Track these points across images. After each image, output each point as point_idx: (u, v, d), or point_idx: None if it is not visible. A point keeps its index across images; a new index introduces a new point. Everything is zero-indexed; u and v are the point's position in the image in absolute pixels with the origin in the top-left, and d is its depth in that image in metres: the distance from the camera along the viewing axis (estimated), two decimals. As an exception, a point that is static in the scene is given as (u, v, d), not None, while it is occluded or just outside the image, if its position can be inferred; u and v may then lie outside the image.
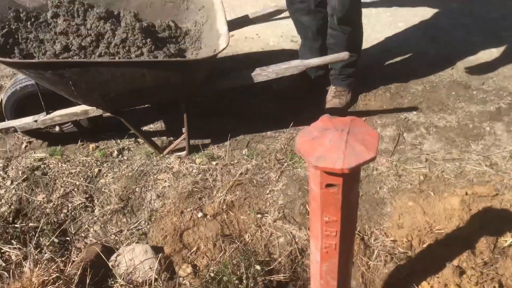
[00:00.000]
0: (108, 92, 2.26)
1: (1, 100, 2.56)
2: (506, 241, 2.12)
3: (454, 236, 2.17)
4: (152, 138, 2.71)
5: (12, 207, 2.38)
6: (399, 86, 3.09)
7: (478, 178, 2.47)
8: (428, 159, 2.61)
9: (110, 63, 2.20)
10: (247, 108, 2.97)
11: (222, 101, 2.99)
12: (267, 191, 2.46)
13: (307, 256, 2.17)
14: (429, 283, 2.02)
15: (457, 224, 2.21)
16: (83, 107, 2.47)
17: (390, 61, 3.31)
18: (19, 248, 2.14)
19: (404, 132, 2.79)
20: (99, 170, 2.60)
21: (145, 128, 2.88)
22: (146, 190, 2.50)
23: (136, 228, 2.33)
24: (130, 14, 2.52)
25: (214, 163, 2.63)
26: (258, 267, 2.05)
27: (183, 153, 2.67)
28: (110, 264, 2.08)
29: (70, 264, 2.06)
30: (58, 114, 2.50)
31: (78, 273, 1.97)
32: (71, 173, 2.57)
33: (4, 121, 2.56)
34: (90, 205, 2.43)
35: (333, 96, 2.93)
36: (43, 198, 2.43)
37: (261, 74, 2.46)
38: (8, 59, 2.22)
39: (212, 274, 2.05)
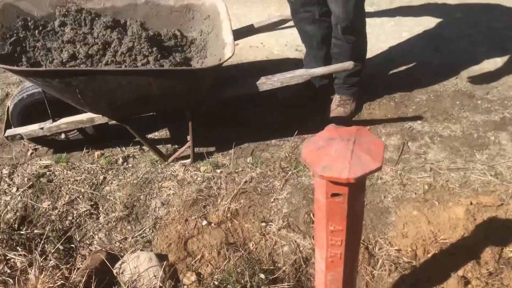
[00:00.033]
0: (114, 100, 2.28)
1: (8, 107, 2.58)
2: (511, 251, 2.12)
3: (459, 245, 2.17)
4: (157, 146, 2.73)
5: (17, 213, 2.40)
6: (403, 95, 3.10)
7: (483, 187, 2.46)
8: (432, 168, 2.61)
9: (117, 72, 2.22)
10: (251, 117, 2.98)
11: (226, 109, 3.01)
12: (272, 200, 2.46)
13: (311, 265, 2.17)
14: (434, 293, 2.02)
15: (462, 233, 2.21)
16: (89, 115, 2.49)
17: (394, 71, 3.33)
18: (24, 255, 2.15)
19: (409, 141, 2.79)
20: (104, 178, 2.61)
21: (150, 135, 2.89)
22: (151, 198, 2.51)
23: (141, 235, 2.33)
24: (136, 23, 2.55)
25: (218, 171, 2.64)
26: (262, 275, 2.05)
27: (188, 161, 2.68)
28: (114, 271, 2.09)
29: (75, 271, 2.06)
30: (64, 121, 2.51)
31: (83, 280, 1.98)
32: (76, 180, 2.58)
33: (11, 128, 2.58)
34: (95, 212, 2.44)
35: (338, 105, 2.94)
36: (49, 205, 2.45)
37: (266, 83, 2.48)
38: (16, 67, 2.25)
39: (216, 283, 2.05)
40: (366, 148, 1.22)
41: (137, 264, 2.09)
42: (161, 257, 2.18)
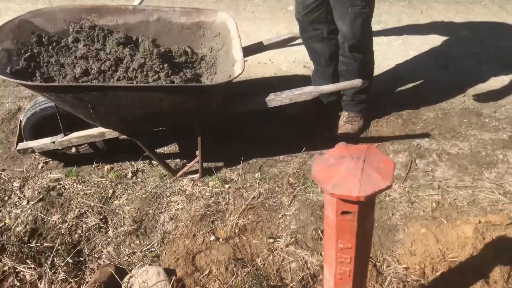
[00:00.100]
0: (125, 115, 2.31)
1: (21, 121, 2.62)
2: (520, 271, 2.11)
3: (467, 264, 2.16)
4: (166, 161, 2.75)
5: (27, 226, 2.42)
6: (411, 113, 3.11)
7: (491, 206, 2.46)
8: (440, 186, 2.62)
9: (129, 87, 2.25)
10: (260, 132, 3.01)
11: (235, 125, 3.04)
12: (280, 216, 2.47)
13: (319, 282, 2.17)
14: (442, 312, 2.00)
15: (471, 252, 2.20)
16: (100, 129, 2.52)
17: (402, 88, 3.35)
18: (34, 268, 2.16)
19: (417, 158, 2.80)
20: (114, 192, 2.63)
21: (159, 150, 2.92)
22: (159, 212, 2.52)
23: (149, 250, 2.34)
24: (148, 40, 2.60)
25: (226, 186, 2.65)
26: (270, 292, 2.05)
27: (196, 175, 2.70)
28: (123, 285, 2.10)
29: (83, 285, 2.07)
30: (75, 135, 2.55)
31: (92, 294, 1.99)
32: (86, 194, 2.61)
33: (23, 141, 2.62)
34: (104, 226, 2.46)
35: (346, 122, 2.96)
36: (58, 219, 2.47)
37: (275, 99, 2.51)
38: (30, 82, 2.30)
39: (224, 298, 2.05)
40: (376, 166, 1.24)
41: (146, 279, 2.09)
42: (169, 272, 2.19)
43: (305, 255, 2.27)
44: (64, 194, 2.61)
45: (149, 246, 2.36)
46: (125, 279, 2.14)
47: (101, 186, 2.66)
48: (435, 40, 3.78)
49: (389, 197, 2.56)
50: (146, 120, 2.39)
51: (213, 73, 2.65)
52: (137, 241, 2.39)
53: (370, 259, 2.22)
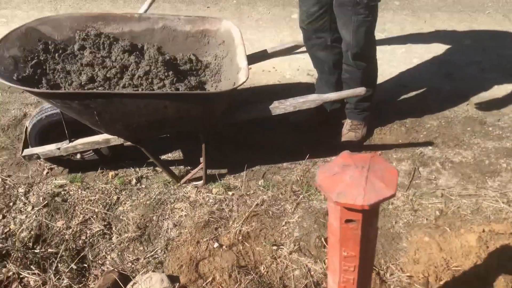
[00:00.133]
0: (130, 122, 2.33)
1: (26, 127, 2.64)
2: (524, 280, 2.10)
3: (471, 273, 2.15)
4: (170, 167, 2.77)
5: (32, 232, 2.43)
6: (414, 121, 3.12)
7: (495, 215, 2.46)
8: (444, 194, 2.62)
9: (134, 95, 2.27)
10: (263, 140, 3.02)
11: (239, 132, 3.05)
12: (283, 223, 2.48)
13: (322, 290, 2.17)
14: (446, 321, 2.00)
15: (475, 261, 2.20)
16: (105, 136, 2.54)
17: (405, 96, 3.36)
18: (38, 274, 2.17)
19: (420, 166, 2.80)
20: (118, 198, 2.64)
21: (163, 157, 2.93)
22: (163, 219, 2.53)
23: (153, 256, 2.35)
24: (153, 48, 2.62)
25: (230, 193, 2.66)
26: (273, 299, 2.06)
27: (200, 182, 2.72)
28: (126, 292, 2.10)
29: (87, 291, 2.08)
30: (81, 142, 2.57)
31: (95, 300, 1.99)
32: (91, 200, 2.62)
33: (28, 147, 2.64)
34: (108, 232, 2.47)
35: (349, 130, 2.97)
36: (63, 224, 2.48)
37: (279, 107, 2.52)
38: (36, 89, 2.32)
39: (227, 306, 2.05)
40: (380, 175, 1.25)
41: (149, 285, 2.10)
42: (173, 279, 2.20)
43: (308, 263, 2.27)
44: (68, 200, 2.63)
45: (152, 253, 2.36)
46: (129, 286, 2.14)
47: (106, 192, 2.67)
48: (438, 49, 3.80)
49: (392, 205, 2.56)
50: (151, 127, 2.41)
51: (218, 80, 2.67)
52: (141, 248, 2.40)
53: (374, 267, 2.22)
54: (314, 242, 2.37)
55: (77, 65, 2.53)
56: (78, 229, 2.46)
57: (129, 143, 2.56)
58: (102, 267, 2.31)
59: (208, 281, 2.21)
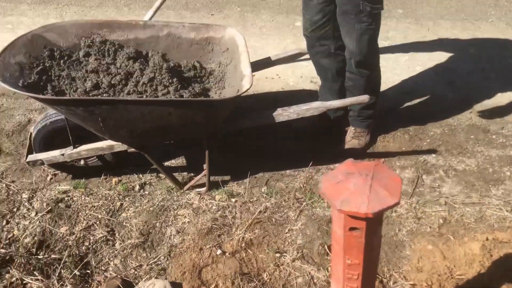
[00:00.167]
0: (135, 129, 2.34)
1: (31, 133, 2.66)
2: (528, 289, 2.10)
3: (475, 282, 2.15)
4: (173, 174, 2.77)
5: (35, 238, 2.44)
6: (417, 129, 3.12)
7: (499, 223, 2.45)
8: (447, 202, 2.61)
9: (139, 102, 2.28)
10: (266, 146, 3.02)
11: (242, 139, 3.06)
12: (286, 230, 2.48)
13: (325, 298, 2.16)
14: (450, 330, 1.99)
15: (478, 270, 2.19)
16: (109, 142, 2.55)
17: (409, 104, 3.36)
18: (41, 279, 2.17)
19: (423, 174, 2.80)
20: (121, 204, 2.65)
21: (166, 163, 2.94)
22: (166, 226, 2.53)
23: (156, 263, 2.35)
24: (158, 55, 2.63)
25: (233, 200, 2.66)
26: (276, 307, 2.05)
27: (203, 189, 2.72)
28: (129, 299, 2.10)
29: (90, 298, 2.08)
30: (85, 148, 2.58)
31: (98, 307, 1.99)
32: (94, 206, 2.62)
33: (32, 153, 2.65)
34: (111, 238, 2.47)
35: (352, 137, 2.98)
36: (66, 230, 2.48)
37: (283, 114, 2.53)
38: (41, 96, 2.33)
39: (230, 313, 2.05)
40: (384, 183, 1.25)
41: (152, 292, 2.10)
42: (176, 286, 2.20)
43: (311, 270, 2.27)
44: (72, 206, 2.63)
45: (155, 259, 2.36)
46: (132, 292, 2.14)
47: (109, 198, 2.68)
48: (441, 57, 3.81)
49: (395, 213, 2.56)
50: (155, 133, 2.42)
51: (222, 87, 2.69)
52: (144, 254, 2.40)
53: (377, 275, 2.21)
54: (317, 249, 2.37)
55: (82, 72, 2.55)
56: (82, 235, 2.47)
57: (133, 150, 2.57)
58: (105, 274, 2.31)
59: (211, 288, 2.21)
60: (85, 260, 2.34)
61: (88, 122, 2.31)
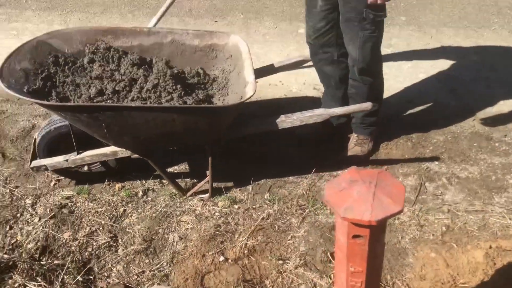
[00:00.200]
0: (138, 135, 2.35)
1: (35, 139, 2.67)
2: (532, 298, 2.09)
3: (478, 290, 2.14)
4: (176, 180, 2.78)
5: (38, 243, 2.44)
6: (420, 136, 3.12)
7: (502, 231, 2.45)
8: (450, 210, 2.61)
9: (142, 108, 2.30)
10: (269, 153, 3.03)
11: (245, 146, 3.06)
12: (289, 237, 2.48)
13: (328, 305, 2.16)
14: None
15: (482, 278, 2.18)
16: (112, 148, 2.56)
17: (411, 111, 3.37)
18: (44, 285, 2.18)
19: (426, 181, 2.80)
20: (124, 210, 2.65)
21: (169, 169, 2.94)
22: (169, 232, 2.54)
23: (158, 269, 2.35)
24: (162, 61, 2.65)
25: (236, 206, 2.67)
26: (279, 314, 2.05)
27: (206, 195, 2.72)
28: (132, 305, 2.10)
29: (93, 304, 2.08)
30: (88, 154, 2.59)
31: (101, 313, 1.99)
32: (97, 212, 2.63)
33: (36, 159, 2.66)
34: (114, 244, 2.47)
35: (355, 144, 2.98)
36: (69, 236, 2.49)
37: (286, 121, 2.54)
38: (46, 102, 2.34)
39: (232, 320, 2.05)
40: (388, 191, 1.25)
41: (155, 298, 2.10)
42: (178, 292, 2.20)
43: (314, 278, 2.27)
44: (75, 212, 2.64)
45: (158, 266, 2.36)
46: (134, 299, 2.14)
47: (112, 204, 2.68)
48: (444, 64, 3.81)
49: (398, 220, 2.55)
50: (158, 139, 2.43)
51: (225, 94, 2.70)
52: (147, 260, 2.40)
53: (380, 283, 2.20)
54: (320, 256, 2.37)
55: (86, 78, 2.57)
56: (85, 241, 2.47)
57: (136, 156, 2.58)
58: (107, 280, 2.31)
59: (213, 295, 2.20)
60: (88, 266, 2.34)
61: (92, 128, 2.32)
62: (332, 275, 2.25)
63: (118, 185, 2.80)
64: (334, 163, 2.91)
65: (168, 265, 2.37)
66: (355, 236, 1.30)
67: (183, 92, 2.50)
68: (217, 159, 2.69)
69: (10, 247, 2.42)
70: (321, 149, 3.02)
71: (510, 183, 2.75)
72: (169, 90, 2.49)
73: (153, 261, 2.39)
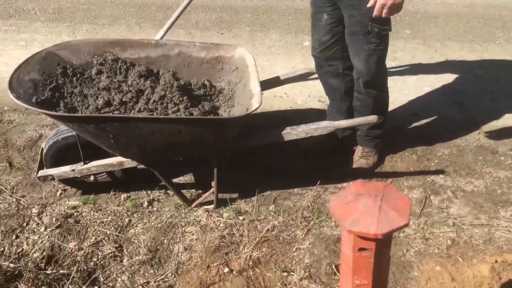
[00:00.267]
0: (145, 145, 2.37)
1: (42, 148, 2.69)
2: (539, 313, 2.07)
3: (484, 305, 2.13)
4: (182, 191, 2.79)
5: (44, 253, 2.45)
6: (425, 149, 3.13)
7: (508, 245, 2.44)
8: (455, 223, 2.60)
9: (149, 119, 2.32)
10: (275, 165, 3.04)
11: (250, 157, 3.07)
12: (294, 249, 2.47)
13: (332, 318, 2.15)
14: None
15: (487, 292, 2.17)
16: (119, 159, 2.58)
17: (416, 124, 3.38)
18: (49, 295, 2.18)
19: (431, 195, 2.80)
20: (130, 220, 2.66)
21: (175, 180, 2.96)
22: (174, 242, 2.54)
23: (163, 280, 2.35)
24: (168, 73, 2.68)
25: (241, 218, 2.67)
26: (283, 327, 2.04)
27: (211, 206, 2.73)
28: (136, 316, 2.10)
29: (97, 314, 2.08)
30: (95, 164, 2.60)
31: (105, 323, 1.99)
32: (103, 222, 2.64)
33: (43, 169, 2.68)
34: (119, 254, 2.48)
35: (360, 157, 2.99)
36: (75, 246, 2.50)
37: (291, 133, 2.55)
38: (54, 113, 2.37)
39: (237, 332, 2.04)
40: (394, 204, 1.26)
41: (159, 309, 2.10)
42: (183, 303, 2.19)
43: (318, 290, 2.26)
44: (81, 222, 2.65)
45: (163, 276, 2.37)
46: (139, 309, 2.14)
47: (118, 214, 2.69)
48: (449, 78, 3.83)
49: (403, 233, 2.55)
50: (165, 150, 2.45)
51: (231, 106, 2.72)
52: (151, 271, 2.40)
53: (385, 296, 2.20)
54: (324, 269, 2.36)
55: (94, 89, 2.60)
56: (90, 250, 2.48)
57: (142, 166, 2.60)
58: (112, 290, 2.31)
59: (217, 306, 2.20)
60: (93, 276, 2.35)
61: (99, 138, 2.34)
62: (336, 288, 2.24)
63: (123, 195, 2.82)
64: (339, 175, 2.91)
65: (173, 276, 2.37)
66: (361, 249, 1.30)
67: (189, 104, 2.53)
68: (223, 170, 2.70)
69: (16, 256, 2.42)
70: (326, 161, 3.03)
71: (515, 197, 2.75)
72: (176, 101, 2.51)
73: (158, 272, 2.39)
